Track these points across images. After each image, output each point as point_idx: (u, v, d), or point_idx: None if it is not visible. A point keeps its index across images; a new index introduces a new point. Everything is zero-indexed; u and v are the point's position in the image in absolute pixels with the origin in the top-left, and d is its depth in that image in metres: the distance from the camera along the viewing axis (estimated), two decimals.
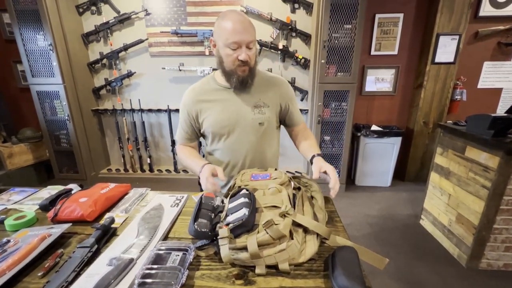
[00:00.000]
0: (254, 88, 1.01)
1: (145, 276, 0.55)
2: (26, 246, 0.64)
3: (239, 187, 0.80)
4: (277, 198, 0.72)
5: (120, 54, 2.69)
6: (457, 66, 2.51)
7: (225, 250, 0.60)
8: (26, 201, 0.93)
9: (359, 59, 2.32)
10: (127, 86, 2.82)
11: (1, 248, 0.66)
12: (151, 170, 3.00)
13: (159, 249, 0.63)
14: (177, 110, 2.79)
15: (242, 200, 0.70)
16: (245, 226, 0.62)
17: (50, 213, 0.79)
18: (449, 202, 1.84)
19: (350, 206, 2.45)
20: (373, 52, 2.67)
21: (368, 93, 2.82)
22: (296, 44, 2.62)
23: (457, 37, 2.43)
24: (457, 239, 1.76)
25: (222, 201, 0.81)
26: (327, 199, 0.95)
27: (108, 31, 2.63)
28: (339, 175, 2.65)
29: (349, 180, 2.91)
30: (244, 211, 0.65)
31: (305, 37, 2.56)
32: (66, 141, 2.73)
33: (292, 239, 0.62)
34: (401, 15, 2.55)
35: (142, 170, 3.02)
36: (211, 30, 2.53)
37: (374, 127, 2.75)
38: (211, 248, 0.68)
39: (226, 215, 0.69)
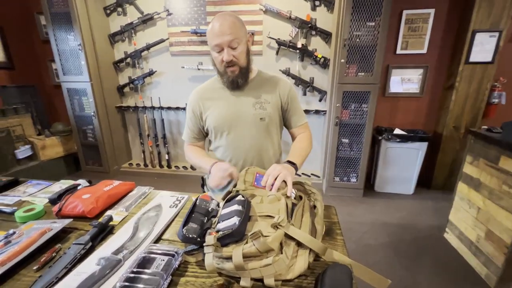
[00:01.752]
0: (255, 86, 1.04)
1: (127, 279, 0.55)
2: (27, 239, 0.68)
3: (237, 191, 0.78)
4: (274, 207, 0.69)
5: (143, 53, 2.79)
6: (495, 66, 2.27)
7: (209, 259, 0.58)
8: (40, 193, 0.99)
9: (383, 59, 2.19)
10: (148, 84, 2.92)
11: (6, 239, 0.70)
12: (169, 166, 3.08)
13: (147, 252, 0.63)
14: None
15: (235, 207, 0.67)
16: (234, 236, 0.60)
17: (55, 208, 0.83)
18: (478, 216, 1.67)
19: (367, 213, 2.33)
20: (398, 51, 2.51)
21: (392, 95, 2.65)
22: (316, 43, 2.53)
23: (496, 34, 2.20)
24: (485, 258, 1.59)
25: (218, 205, 0.80)
26: (331, 209, 0.89)
27: (132, 31, 2.74)
28: (356, 180, 2.54)
29: (368, 185, 2.77)
30: (235, 220, 0.62)
31: (326, 36, 2.47)
32: (92, 136, 2.90)
33: (282, 253, 0.58)
34: (432, 11, 2.36)
35: (161, 166, 3.11)
36: None
37: (397, 131, 2.59)
38: (200, 254, 0.66)
39: (218, 222, 0.67)
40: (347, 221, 2.20)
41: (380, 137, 2.53)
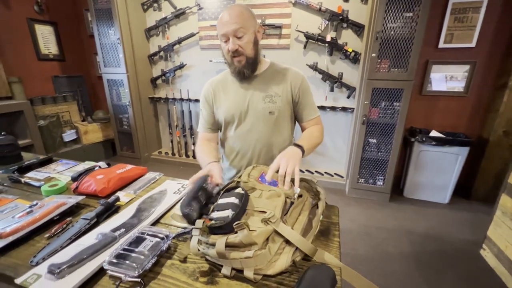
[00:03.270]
0: (266, 79, 1.02)
1: (117, 255, 0.58)
2: (44, 211, 0.76)
3: (239, 181, 0.78)
4: (271, 203, 0.68)
5: (174, 47, 2.91)
6: None
7: (194, 241, 0.60)
8: (66, 172, 1.10)
9: (422, 53, 2.00)
10: (179, 77, 3.05)
11: (30, 209, 0.79)
12: (194, 156, 3.21)
13: (140, 233, 0.66)
14: None
15: (232, 200, 0.67)
16: (224, 229, 0.60)
17: (73, 185, 0.91)
18: None
19: (390, 219, 2.18)
20: (441, 45, 2.26)
21: (430, 93, 2.42)
22: (347, 36, 2.40)
23: None
24: None
25: (219, 193, 0.81)
26: (333, 209, 0.85)
27: (166, 25, 2.87)
28: (383, 183, 2.39)
29: (397, 190, 2.58)
30: (229, 213, 0.63)
31: (358, 28, 2.33)
32: (127, 124, 3.13)
33: (265, 248, 0.57)
34: None
35: (187, 156, 3.25)
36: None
37: (434, 133, 2.36)
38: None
39: (213, 210, 0.68)
40: (366, 225, 2.09)
41: (413, 139, 2.33)
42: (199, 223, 0.61)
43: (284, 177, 0.76)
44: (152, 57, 3.04)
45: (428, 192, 2.44)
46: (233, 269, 0.58)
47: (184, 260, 0.62)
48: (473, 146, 2.20)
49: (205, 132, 1.14)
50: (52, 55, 3.09)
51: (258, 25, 0.96)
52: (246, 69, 0.96)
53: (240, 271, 0.58)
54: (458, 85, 2.36)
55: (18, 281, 0.53)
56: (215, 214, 0.65)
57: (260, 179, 0.82)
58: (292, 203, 0.73)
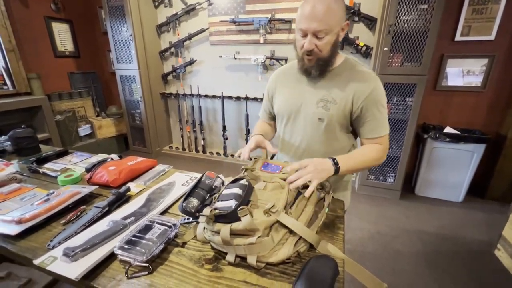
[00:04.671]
0: (331, 78, 0.89)
1: (127, 241, 0.61)
2: (60, 199, 0.80)
3: (245, 170, 0.80)
4: (275, 195, 0.69)
5: (185, 43, 2.94)
6: None
7: (200, 228, 0.62)
8: (81, 163, 1.15)
9: (437, 47, 1.93)
10: (189, 72, 3.09)
11: (47, 197, 0.83)
12: (204, 151, 3.25)
13: (149, 221, 0.69)
14: (230, 98, 2.92)
15: (236, 190, 0.69)
16: (227, 219, 0.62)
17: (87, 176, 0.95)
18: None
19: (401, 216, 2.14)
20: (458, 38, 2.18)
21: (445, 88, 2.34)
22: (358, 30, 2.35)
23: None
24: None
25: (223, 183, 0.83)
26: (339, 203, 0.85)
27: (177, 21, 2.90)
28: (394, 180, 2.35)
29: (408, 188, 2.53)
30: (232, 204, 0.64)
31: (370, 22, 2.27)
32: (139, 119, 3.21)
33: (268, 236, 0.58)
34: None
35: (197, 151, 3.30)
36: (267, 18, 2.50)
37: (448, 129, 2.29)
38: (196, 228, 0.70)
39: (217, 200, 0.70)
40: (376, 223, 2.06)
41: (426, 135, 2.27)
42: (206, 211, 0.63)
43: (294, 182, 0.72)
44: (163, 53, 3.08)
45: (441, 190, 2.37)
46: (237, 256, 0.60)
47: (183, 245, 0.65)
48: (490, 143, 2.12)
49: (264, 119, 1.15)
50: (68, 52, 3.19)
51: (345, 22, 0.82)
52: (315, 69, 0.87)
53: (244, 258, 0.59)
54: (475, 80, 2.27)
55: (36, 262, 0.57)
56: (219, 204, 0.66)
57: (263, 167, 0.83)
58: (299, 193, 0.73)
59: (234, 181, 0.75)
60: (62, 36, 3.11)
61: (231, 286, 0.54)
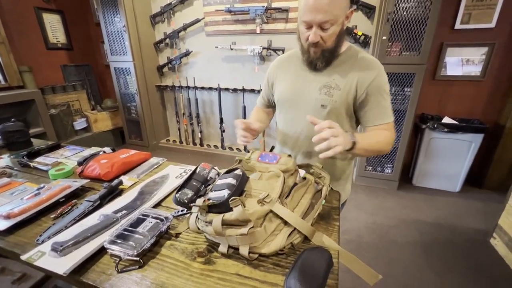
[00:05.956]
0: (335, 66, 0.87)
1: (118, 235, 0.60)
2: (50, 193, 0.78)
3: (240, 161, 0.78)
4: (270, 184, 0.68)
5: (180, 34, 2.88)
6: None
7: (192, 218, 0.61)
8: (73, 157, 1.12)
9: (436, 35, 1.90)
10: (185, 64, 3.03)
11: (37, 191, 0.81)
12: (201, 144, 3.23)
13: (141, 214, 0.67)
14: (226, 89, 2.88)
15: (229, 180, 0.67)
16: (220, 208, 0.60)
17: (78, 169, 0.93)
18: None
19: (398, 207, 2.15)
20: (458, 26, 2.14)
21: (444, 78, 2.32)
22: (357, 19, 2.30)
23: None
24: None
25: (218, 174, 0.81)
26: (335, 194, 0.84)
27: (171, 11, 2.83)
28: (391, 171, 2.35)
29: (405, 178, 2.53)
30: (225, 193, 0.63)
31: (368, 10, 2.22)
32: (135, 112, 3.17)
33: (261, 226, 0.57)
34: None
35: (194, 144, 3.28)
36: (263, 7, 2.44)
37: (446, 119, 2.28)
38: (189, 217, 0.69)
39: (211, 190, 0.68)
40: (374, 213, 2.07)
41: (424, 126, 2.26)
42: (199, 201, 0.61)
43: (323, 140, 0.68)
44: (158, 44, 3.02)
45: (438, 181, 2.38)
46: (230, 247, 0.59)
47: (176, 236, 0.64)
48: (488, 133, 2.11)
49: (261, 106, 1.13)
50: (60, 44, 3.13)
51: (349, 10, 0.80)
52: (320, 61, 0.85)
53: (237, 249, 0.58)
54: (474, 69, 2.25)
55: (23, 257, 0.56)
56: (212, 194, 0.65)
57: (260, 158, 0.81)
58: (295, 184, 0.72)
59: (228, 172, 0.74)
60: (54, 27, 3.03)
61: (224, 279, 0.53)
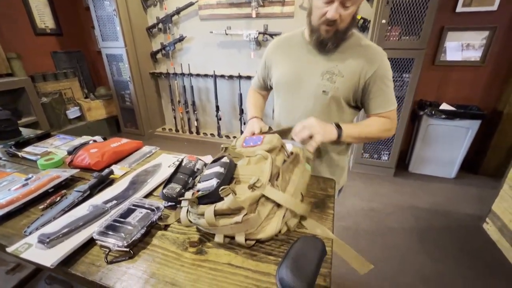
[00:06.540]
0: (337, 52, 0.84)
1: (107, 226, 0.58)
2: (39, 183, 0.76)
3: (226, 149, 0.76)
4: (259, 168, 0.66)
5: (173, 18, 2.78)
6: None
7: (183, 212, 0.59)
8: (63, 146, 1.10)
9: (437, 19, 1.84)
10: (179, 50, 2.95)
11: (26, 181, 0.79)
12: (197, 132, 3.20)
13: (131, 205, 0.66)
14: (222, 76, 2.82)
15: (217, 169, 0.65)
16: (210, 198, 0.59)
17: (68, 159, 0.91)
18: None
19: (394, 194, 2.16)
20: (459, 9, 2.08)
21: (444, 63, 2.27)
22: None
23: None
24: None
25: (204, 165, 0.80)
26: (330, 182, 0.83)
27: None
28: (388, 158, 2.34)
29: (402, 165, 2.54)
30: (214, 182, 0.61)
31: None
32: (129, 100, 3.10)
33: (254, 212, 0.56)
34: None
35: (190, 132, 3.25)
36: None
37: (444, 106, 2.25)
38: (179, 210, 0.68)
39: (199, 181, 0.67)
40: (370, 200, 2.08)
41: (421, 112, 2.24)
42: (188, 194, 0.60)
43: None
44: (151, 29, 2.92)
45: (434, 167, 2.39)
46: (226, 236, 0.58)
47: (165, 228, 0.63)
48: (486, 119, 2.09)
49: (256, 88, 1.10)
50: (49, 29, 3.01)
51: None
52: (332, 42, 0.79)
53: (234, 238, 0.57)
54: (474, 55, 2.20)
55: (9, 249, 0.54)
56: (200, 185, 0.63)
57: (244, 143, 0.78)
58: (285, 161, 0.70)
59: (215, 161, 0.72)
60: (41, 11, 2.91)
61: (215, 269, 0.52)
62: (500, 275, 1.44)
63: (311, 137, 0.75)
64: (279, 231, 0.59)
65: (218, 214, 0.55)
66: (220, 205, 0.55)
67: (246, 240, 0.56)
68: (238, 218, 0.54)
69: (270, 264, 0.53)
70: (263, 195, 0.58)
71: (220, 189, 0.55)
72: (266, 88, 1.08)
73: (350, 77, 0.82)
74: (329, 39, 0.79)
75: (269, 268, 0.52)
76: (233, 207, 0.54)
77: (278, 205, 0.60)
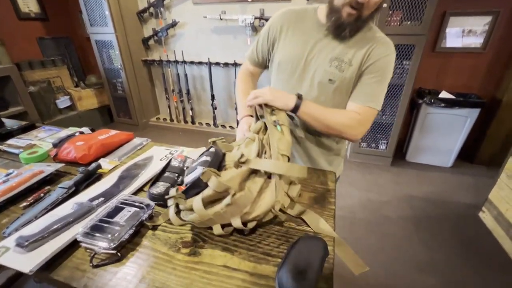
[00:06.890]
0: (351, 42, 0.77)
1: (93, 227, 0.54)
2: (20, 179, 0.71)
3: (214, 142, 0.71)
4: (249, 150, 0.63)
5: (165, 2, 2.65)
6: None
7: (171, 211, 0.55)
8: (48, 138, 1.04)
9: (439, 2, 1.77)
10: (172, 36, 2.83)
11: (6, 177, 0.74)
12: (193, 122, 3.13)
13: (119, 202, 0.61)
14: (217, 64, 2.73)
15: (203, 158, 0.61)
16: (198, 187, 0.54)
17: (52, 152, 0.86)
18: None
19: (391, 184, 2.16)
20: None
21: (444, 50, 2.22)
22: None
23: None
24: None
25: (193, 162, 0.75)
26: (330, 175, 0.79)
27: None
28: (386, 147, 2.32)
29: (399, 154, 2.52)
30: (199, 171, 0.57)
31: None
32: (121, 89, 3.00)
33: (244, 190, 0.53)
34: None
35: (185, 122, 3.17)
36: None
37: (444, 94, 2.22)
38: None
39: (186, 175, 0.63)
40: (367, 189, 2.07)
41: (420, 101, 2.20)
42: (172, 191, 0.56)
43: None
44: (142, 14, 2.79)
45: (431, 156, 2.38)
46: (224, 226, 0.54)
47: (153, 229, 0.59)
48: (484, 107, 2.07)
49: (250, 63, 0.96)
50: (34, 14, 2.85)
51: None
52: (350, 28, 0.72)
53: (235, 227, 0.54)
54: (475, 41, 2.15)
55: None
56: (187, 178, 0.59)
57: None
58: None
59: (202, 154, 0.67)
60: None
61: (210, 272, 0.49)
62: (496, 263, 1.46)
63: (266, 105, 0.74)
64: (284, 207, 0.58)
65: (207, 202, 0.52)
66: (206, 192, 0.52)
67: (245, 223, 0.53)
68: (227, 200, 0.51)
69: (269, 265, 0.50)
70: (251, 171, 0.56)
71: (200, 174, 0.50)
72: (261, 66, 0.95)
73: (356, 66, 0.76)
74: (348, 24, 0.72)
75: (267, 270, 0.49)
76: (220, 190, 0.51)
77: (270, 177, 0.57)
